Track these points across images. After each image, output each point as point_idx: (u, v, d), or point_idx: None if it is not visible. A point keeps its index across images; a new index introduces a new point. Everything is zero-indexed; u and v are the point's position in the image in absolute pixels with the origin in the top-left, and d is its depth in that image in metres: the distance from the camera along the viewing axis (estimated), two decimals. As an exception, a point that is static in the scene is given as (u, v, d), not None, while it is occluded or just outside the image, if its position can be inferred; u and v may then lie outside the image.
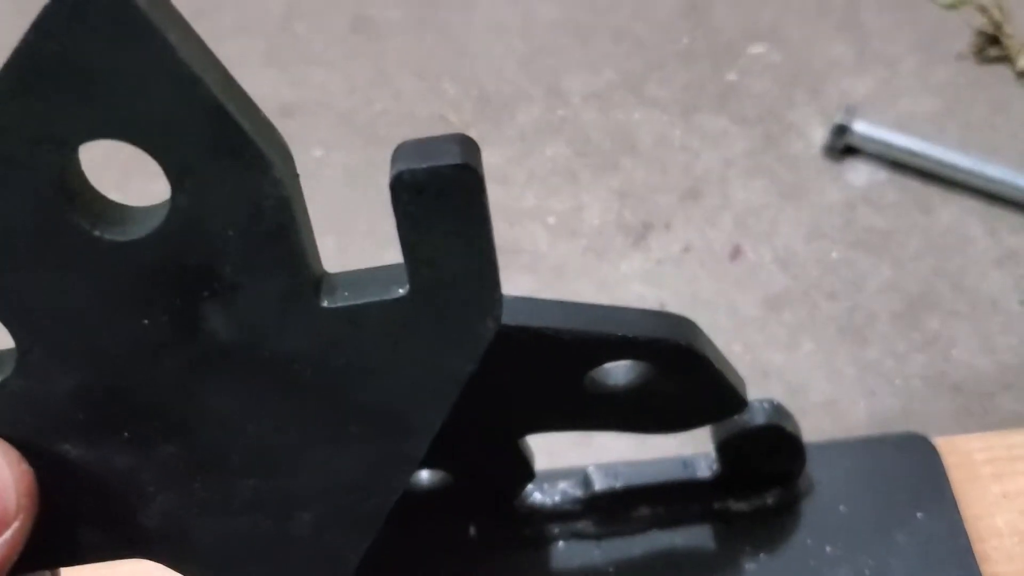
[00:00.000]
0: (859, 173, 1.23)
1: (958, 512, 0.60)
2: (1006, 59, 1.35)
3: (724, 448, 0.50)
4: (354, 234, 1.12)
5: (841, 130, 1.25)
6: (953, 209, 1.19)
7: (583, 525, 0.52)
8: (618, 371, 0.39)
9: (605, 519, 0.52)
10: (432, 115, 1.29)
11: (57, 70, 0.22)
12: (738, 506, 0.54)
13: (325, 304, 0.27)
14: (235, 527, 0.31)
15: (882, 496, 0.61)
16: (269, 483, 0.30)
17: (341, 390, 0.29)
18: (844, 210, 1.18)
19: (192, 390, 0.28)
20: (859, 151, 1.26)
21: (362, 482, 0.31)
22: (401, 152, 0.25)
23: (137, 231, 0.25)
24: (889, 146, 1.25)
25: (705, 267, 1.15)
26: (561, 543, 0.52)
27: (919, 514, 0.63)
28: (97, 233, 0.25)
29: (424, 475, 0.47)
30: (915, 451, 0.66)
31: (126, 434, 0.29)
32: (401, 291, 0.27)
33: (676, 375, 0.38)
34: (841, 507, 0.59)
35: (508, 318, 0.34)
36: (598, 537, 0.52)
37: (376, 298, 0.27)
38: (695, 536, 0.55)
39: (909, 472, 0.64)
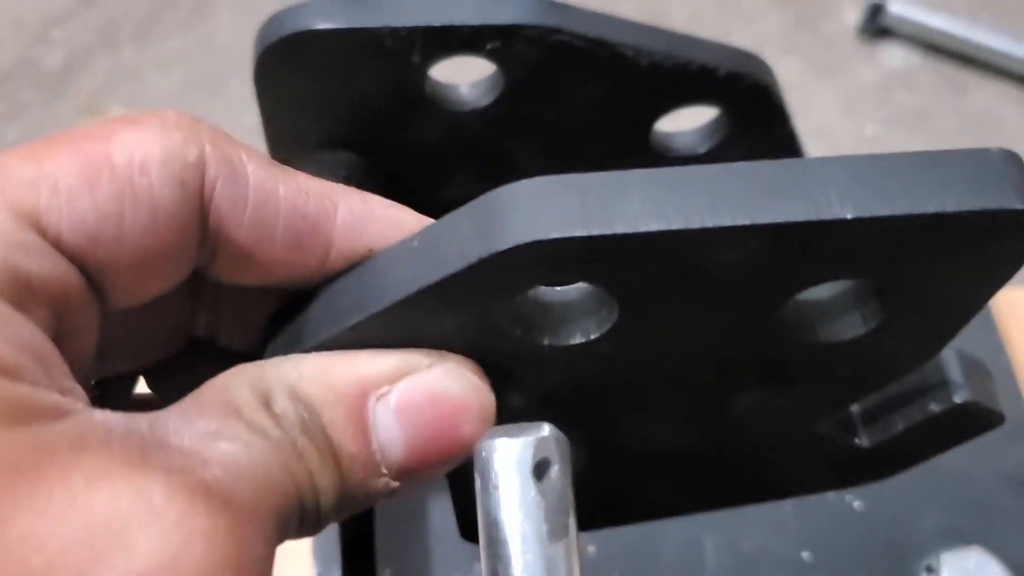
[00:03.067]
0: (893, 55, 1.21)
1: (998, 335, 0.59)
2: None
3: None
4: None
5: (876, 9, 1.22)
6: (988, 92, 1.17)
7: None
8: (685, 135, 0.37)
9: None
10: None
11: None
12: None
13: None
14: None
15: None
16: None
17: None
18: (879, 90, 1.16)
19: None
20: (893, 33, 1.24)
21: None
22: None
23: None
24: (924, 28, 1.22)
25: (734, 146, 1.13)
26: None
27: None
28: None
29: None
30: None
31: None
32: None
33: (751, 127, 0.36)
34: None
35: (586, 28, 0.32)
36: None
37: None
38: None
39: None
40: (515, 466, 0.22)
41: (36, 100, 1.18)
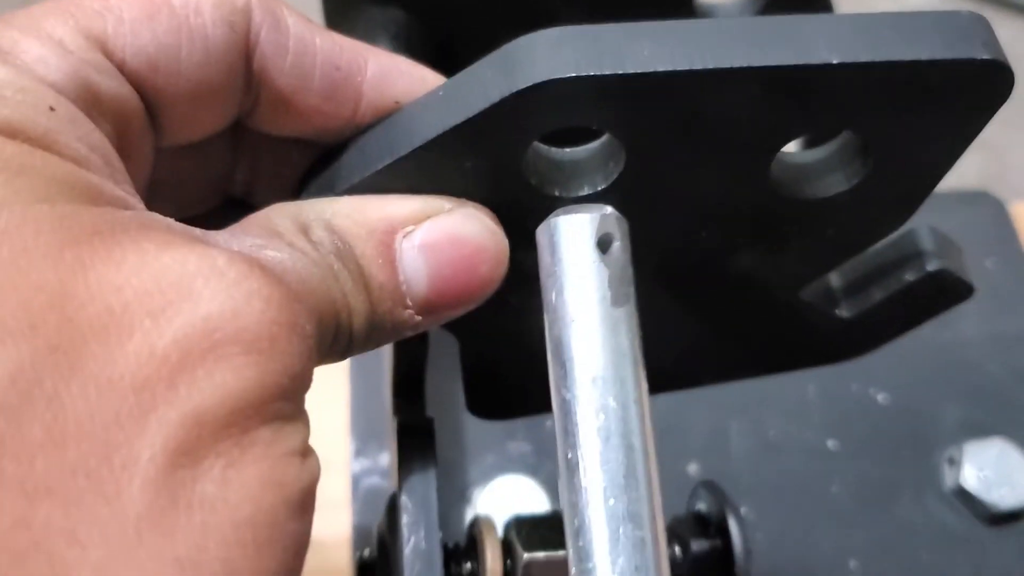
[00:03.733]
0: (913, -8, 1.21)
1: (1020, 246, 0.60)
2: None
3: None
4: None
5: (896, -52, 1.22)
6: (1011, 28, 1.16)
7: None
8: (728, 6, 0.38)
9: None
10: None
11: None
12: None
13: None
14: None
15: (952, 244, 0.61)
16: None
17: None
18: (898, 25, 1.16)
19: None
20: (913, -28, 1.24)
21: None
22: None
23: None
24: (944, -34, 1.22)
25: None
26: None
27: (988, 262, 0.62)
28: None
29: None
30: (984, 207, 0.66)
31: None
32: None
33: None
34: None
35: None
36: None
37: None
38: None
39: (978, 225, 0.63)
40: (580, 238, 0.23)
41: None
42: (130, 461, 0.18)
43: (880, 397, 0.55)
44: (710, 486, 0.33)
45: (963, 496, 0.51)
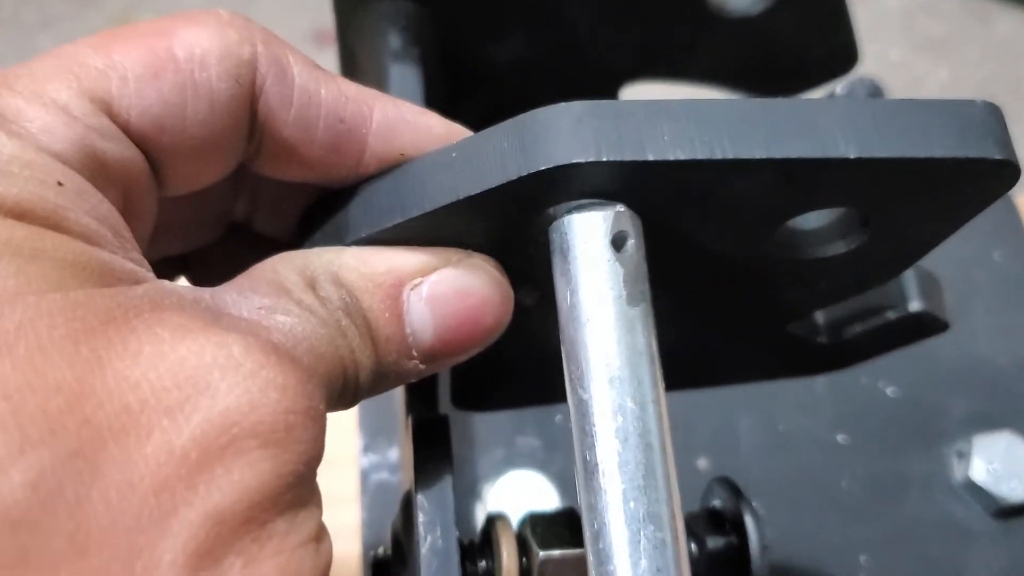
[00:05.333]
0: (917, -17, 1.20)
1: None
2: None
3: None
4: None
5: (900, -62, 1.22)
6: (1011, 22, 1.16)
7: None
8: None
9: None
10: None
11: None
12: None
13: None
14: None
15: (959, 236, 0.61)
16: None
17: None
18: (902, 16, 1.16)
19: None
20: (917, -38, 1.23)
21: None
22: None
23: None
24: (949, -43, 1.22)
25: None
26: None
27: (995, 254, 0.62)
28: None
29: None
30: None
31: None
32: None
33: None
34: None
35: None
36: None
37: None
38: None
39: (985, 217, 0.63)
40: (594, 236, 0.23)
41: (67, 11, 1.19)
42: (151, 565, 0.18)
43: (889, 391, 0.55)
44: (725, 482, 0.33)
45: (972, 489, 0.51)
